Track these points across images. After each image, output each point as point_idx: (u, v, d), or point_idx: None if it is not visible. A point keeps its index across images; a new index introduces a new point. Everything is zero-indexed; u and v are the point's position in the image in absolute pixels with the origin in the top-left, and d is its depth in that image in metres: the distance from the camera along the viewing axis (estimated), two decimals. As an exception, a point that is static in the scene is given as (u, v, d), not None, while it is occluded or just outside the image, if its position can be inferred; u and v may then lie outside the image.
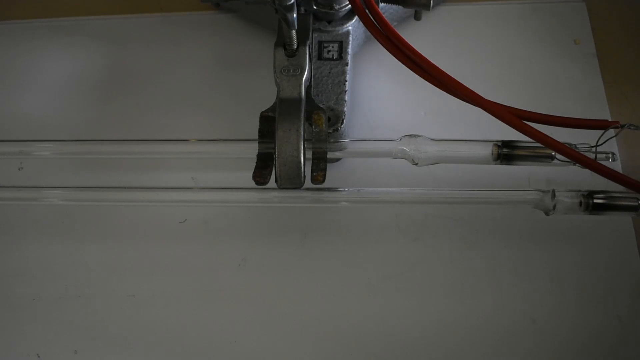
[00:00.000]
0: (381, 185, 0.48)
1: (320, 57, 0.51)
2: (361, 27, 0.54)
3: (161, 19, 0.62)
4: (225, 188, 0.47)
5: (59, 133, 0.56)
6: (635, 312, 0.46)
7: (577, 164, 0.42)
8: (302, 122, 0.43)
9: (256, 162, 0.45)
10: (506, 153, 0.45)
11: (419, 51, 0.43)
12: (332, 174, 0.50)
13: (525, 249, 0.48)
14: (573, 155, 0.41)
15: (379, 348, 0.46)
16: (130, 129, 0.56)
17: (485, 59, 0.57)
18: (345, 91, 0.50)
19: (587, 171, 0.42)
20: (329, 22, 0.52)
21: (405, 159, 0.46)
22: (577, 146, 0.44)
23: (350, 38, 0.52)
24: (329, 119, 0.49)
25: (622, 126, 0.43)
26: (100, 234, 0.51)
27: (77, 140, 0.49)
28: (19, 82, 0.59)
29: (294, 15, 0.41)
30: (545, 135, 0.41)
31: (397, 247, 0.49)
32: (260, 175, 0.44)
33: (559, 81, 0.55)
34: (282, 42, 0.45)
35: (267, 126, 0.45)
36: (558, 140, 0.41)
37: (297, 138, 0.42)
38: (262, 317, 0.47)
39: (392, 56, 0.45)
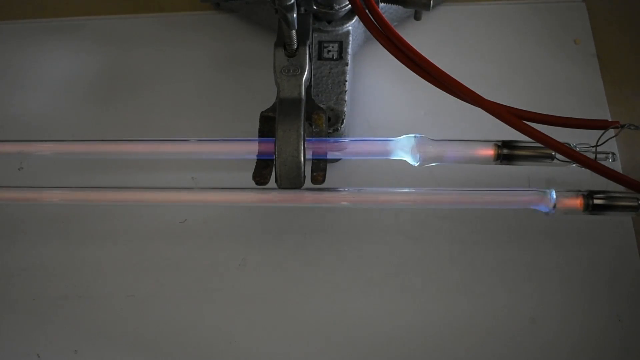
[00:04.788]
0: (381, 185, 0.47)
1: (320, 57, 0.51)
2: (361, 27, 0.54)
3: (161, 19, 0.62)
4: (225, 188, 0.47)
5: (59, 133, 0.56)
6: (636, 312, 0.46)
7: (577, 164, 0.42)
8: (302, 122, 0.43)
9: (256, 162, 0.45)
10: (506, 153, 0.45)
11: (419, 51, 0.43)
12: (332, 174, 0.50)
13: (525, 249, 0.48)
14: (573, 155, 0.41)
15: (379, 348, 0.46)
16: (130, 129, 0.55)
17: (485, 59, 0.57)
18: (345, 91, 0.50)
19: (587, 171, 0.42)
20: (329, 22, 0.52)
21: (405, 159, 0.46)
22: (577, 146, 0.44)
23: (350, 38, 0.52)
24: (329, 119, 0.49)
25: (622, 126, 0.43)
26: (100, 234, 0.51)
27: (77, 140, 0.48)
28: (19, 82, 0.59)
29: (294, 15, 0.41)
30: (545, 135, 0.41)
31: (397, 247, 0.49)
32: (260, 175, 0.44)
33: (559, 81, 0.55)
34: (282, 42, 0.45)
35: (267, 126, 0.45)
36: (558, 140, 0.41)
37: (297, 138, 0.42)
38: (261, 317, 0.47)
39: (392, 56, 0.45)
